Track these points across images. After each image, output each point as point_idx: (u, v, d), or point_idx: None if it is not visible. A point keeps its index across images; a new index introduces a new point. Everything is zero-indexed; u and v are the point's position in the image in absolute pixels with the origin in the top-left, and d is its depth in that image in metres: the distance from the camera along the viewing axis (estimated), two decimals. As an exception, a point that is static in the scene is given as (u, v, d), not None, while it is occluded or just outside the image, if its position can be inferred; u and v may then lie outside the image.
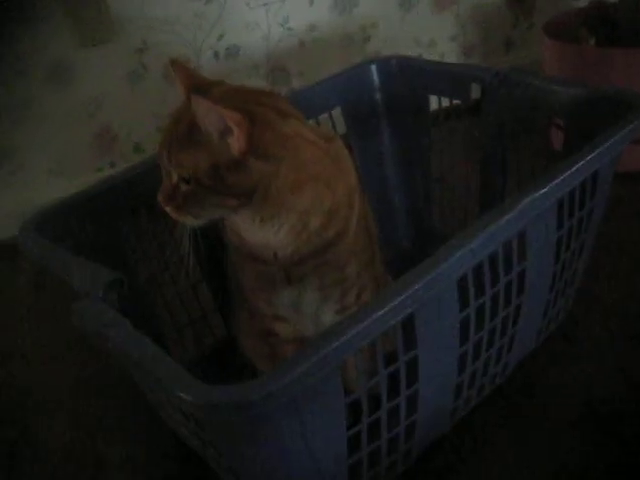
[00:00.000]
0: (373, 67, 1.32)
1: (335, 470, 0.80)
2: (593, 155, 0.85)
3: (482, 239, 0.75)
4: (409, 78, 1.29)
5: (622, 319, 1.17)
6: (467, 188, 1.31)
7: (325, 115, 1.27)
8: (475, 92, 1.20)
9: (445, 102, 1.26)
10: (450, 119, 1.29)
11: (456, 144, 1.31)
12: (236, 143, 0.73)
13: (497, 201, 1.24)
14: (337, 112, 1.30)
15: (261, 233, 0.81)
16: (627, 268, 1.29)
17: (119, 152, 1.85)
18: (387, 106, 1.33)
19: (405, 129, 1.34)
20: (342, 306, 0.92)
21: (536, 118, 1.19)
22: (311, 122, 1.21)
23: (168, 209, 0.79)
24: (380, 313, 0.67)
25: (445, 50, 2.01)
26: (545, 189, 0.80)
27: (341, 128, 1.30)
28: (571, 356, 1.11)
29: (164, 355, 0.68)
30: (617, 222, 1.40)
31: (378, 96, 1.33)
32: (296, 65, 1.91)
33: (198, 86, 0.80)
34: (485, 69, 1.18)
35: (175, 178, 0.77)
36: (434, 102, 1.28)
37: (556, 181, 0.82)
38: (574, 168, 0.84)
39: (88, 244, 1.00)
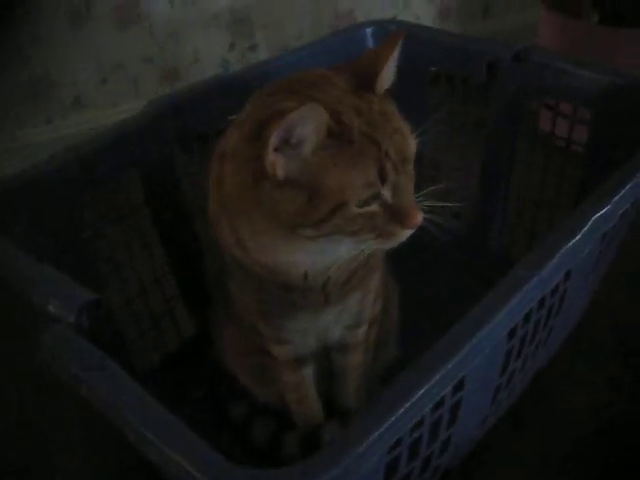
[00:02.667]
0: (368, 31, 1.16)
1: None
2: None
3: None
4: (411, 49, 1.13)
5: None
6: (467, 175, 1.19)
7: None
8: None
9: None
10: (453, 85, 1.14)
11: (458, 123, 1.18)
12: None
13: (502, 193, 1.13)
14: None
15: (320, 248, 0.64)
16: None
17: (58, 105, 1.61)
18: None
19: (399, 104, 1.19)
20: (356, 321, 0.82)
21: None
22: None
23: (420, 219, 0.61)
24: (430, 384, 0.55)
25: (421, 13, 1.86)
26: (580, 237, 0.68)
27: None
28: (575, 359, 1.04)
29: (170, 415, 0.53)
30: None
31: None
32: (261, 16, 1.71)
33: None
34: (504, 46, 1.05)
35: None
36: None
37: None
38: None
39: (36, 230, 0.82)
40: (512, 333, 0.69)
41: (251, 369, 0.91)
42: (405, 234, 0.62)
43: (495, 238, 1.19)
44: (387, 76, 0.64)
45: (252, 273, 0.69)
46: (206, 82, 1.04)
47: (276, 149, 0.56)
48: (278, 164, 0.56)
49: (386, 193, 0.59)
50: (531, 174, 1.10)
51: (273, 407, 0.93)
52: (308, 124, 0.55)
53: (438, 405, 0.61)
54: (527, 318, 0.71)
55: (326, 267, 0.67)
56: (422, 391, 0.54)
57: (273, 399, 0.92)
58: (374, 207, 0.59)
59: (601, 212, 0.67)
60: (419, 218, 0.60)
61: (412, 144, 0.61)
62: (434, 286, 1.16)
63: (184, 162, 1.00)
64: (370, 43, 1.16)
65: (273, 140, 0.55)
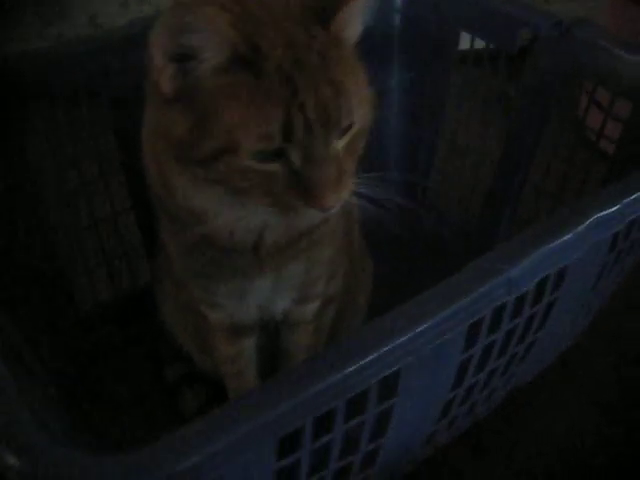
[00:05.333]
0: (397, -20, 1.03)
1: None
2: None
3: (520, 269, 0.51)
4: (440, 5, 1.00)
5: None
6: (482, 159, 1.05)
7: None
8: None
9: (479, 42, 0.98)
10: (481, 65, 1.01)
11: (480, 100, 1.05)
12: None
13: (517, 184, 0.99)
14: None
15: (234, 201, 0.52)
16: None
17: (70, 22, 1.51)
18: (405, 35, 1.06)
19: (421, 68, 1.07)
20: (305, 295, 0.70)
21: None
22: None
23: (341, 198, 0.49)
24: (345, 372, 0.43)
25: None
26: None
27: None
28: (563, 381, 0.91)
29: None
30: None
31: (397, 20, 1.05)
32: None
33: None
34: (543, 14, 0.91)
35: (337, 139, 0.49)
36: (465, 39, 1.00)
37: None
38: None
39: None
40: (471, 341, 0.57)
41: (189, 331, 0.81)
42: (311, 214, 0.49)
43: (504, 234, 1.05)
44: (350, 20, 0.49)
45: (177, 220, 0.58)
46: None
47: (167, 55, 0.45)
48: (165, 74, 0.45)
49: (294, 155, 0.47)
50: (553, 165, 0.95)
51: (210, 376, 0.83)
52: (204, 31, 0.43)
53: (352, 410, 0.50)
54: (494, 326, 0.58)
55: (256, 228, 0.57)
56: (325, 383, 0.43)
57: (210, 368, 0.82)
58: (274, 167, 0.47)
59: (604, 212, 0.54)
60: (331, 200, 0.47)
61: (350, 108, 0.48)
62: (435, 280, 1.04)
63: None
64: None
65: (158, 36, 0.43)
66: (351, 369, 0.45)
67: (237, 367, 0.77)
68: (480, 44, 0.98)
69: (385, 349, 0.46)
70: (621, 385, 0.91)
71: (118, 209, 0.93)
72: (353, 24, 0.50)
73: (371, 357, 0.46)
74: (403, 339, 0.47)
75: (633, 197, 0.56)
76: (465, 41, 1.00)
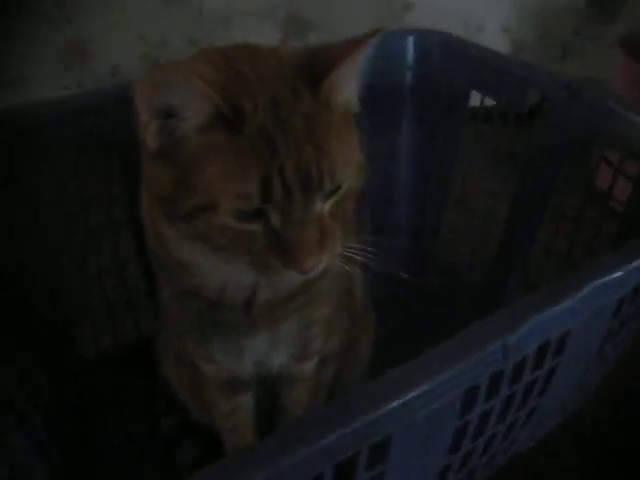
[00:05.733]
0: (410, 40, 1.05)
1: None
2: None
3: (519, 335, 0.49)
4: (452, 64, 1.01)
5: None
6: (491, 215, 1.04)
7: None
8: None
9: (490, 100, 0.99)
10: (491, 123, 1.01)
11: (490, 157, 1.05)
12: None
13: (525, 242, 0.98)
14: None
15: (220, 256, 0.52)
16: None
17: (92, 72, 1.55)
18: (416, 93, 1.06)
19: (431, 126, 1.07)
20: (302, 353, 0.69)
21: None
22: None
23: (322, 261, 0.48)
24: (333, 436, 0.42)
25: (494, 41, 1.72)
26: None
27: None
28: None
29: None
30: None
31: (408, 78, 1.06)
32: (317, 15, 1.61)
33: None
34: (553, 75, 0.91)
35: (320, 204, 0.48)
36: (475, 97, 1.01)
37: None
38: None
39: None
40: (468, 407, 0.55)
41: (185, 383, 0.80)
42: (291, 276, 0.49)
43: (511, 293, 1.04)
44: (341, 83, 0.49)
45: (169, 271, 0.58)
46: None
47: (151, 111, 0.46)
48: (150, 129, 0.46)
49: (273, 216, 0.46)
50: (562, 224, 0.95)
51: (205, 429, 0.82)
52: (185, 91, 0.44)
53: (341, 473, 0.48)
54: (491, 393, 0.57)
55: (248, 285, 0.57)
56: (313, 446, 0.42)
57: (206, 421, 0.81)
58: (253, 226, 0.47)
59: (605, 279, 0.53)
60: (310, 264, 0.47)
61: (334, 172, 0.47)
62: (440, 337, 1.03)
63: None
64: (410, 53, 1.05)
65: (143, 92, 0.45)
66: (341, 432, 0.44)
67: (233, 422, 0.75)
68: (490, 102, 0.99)
69: (376, 414, 0.45)
70: (629, 451, 0.88)
71: (125, 259, 0.93)
72: (345, 87, 0.50)
73: (361, 421, 0.45)
74: (395, 404, 0.45)
75: (636, 264, 0.55)
76: (475, 98, 1.01)
